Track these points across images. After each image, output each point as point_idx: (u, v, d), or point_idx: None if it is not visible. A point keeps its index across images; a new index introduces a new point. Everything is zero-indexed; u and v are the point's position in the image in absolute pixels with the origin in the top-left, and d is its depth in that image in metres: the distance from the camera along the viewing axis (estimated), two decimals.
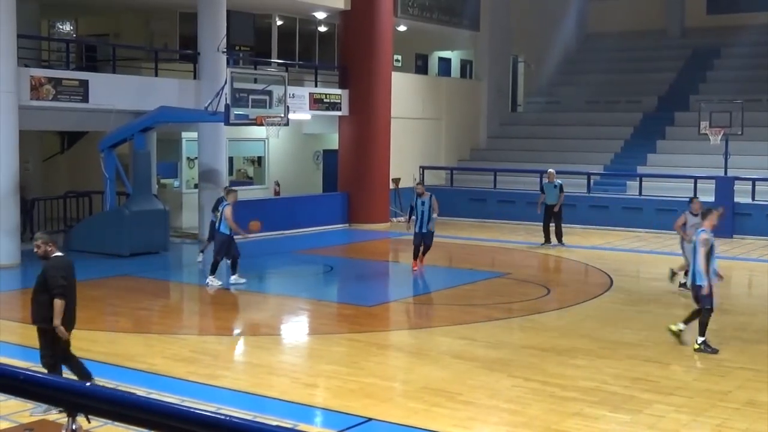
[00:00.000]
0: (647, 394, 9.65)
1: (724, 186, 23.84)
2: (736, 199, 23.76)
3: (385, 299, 15.55)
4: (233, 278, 16.06)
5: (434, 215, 17.38)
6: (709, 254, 11.47)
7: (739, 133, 24.15)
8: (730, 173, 24.17)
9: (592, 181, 27.01)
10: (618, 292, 16.08)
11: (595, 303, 15.07)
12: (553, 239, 21.38)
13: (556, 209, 21.20)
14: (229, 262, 16.17)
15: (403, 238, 23.76)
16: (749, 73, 30.75)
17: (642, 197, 25.12)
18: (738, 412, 9.12)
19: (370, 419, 8.78)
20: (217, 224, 16.05)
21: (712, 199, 23.86)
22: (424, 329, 13.26)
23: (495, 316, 13.95)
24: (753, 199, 24.12)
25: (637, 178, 26.09)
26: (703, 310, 11.61)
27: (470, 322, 13.36)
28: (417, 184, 19.33)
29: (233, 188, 17.15)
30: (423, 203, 17.41)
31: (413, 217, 17.47)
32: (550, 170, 22.08)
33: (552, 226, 21.41)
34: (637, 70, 32.99)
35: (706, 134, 24.39)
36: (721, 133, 24.19)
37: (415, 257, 17.54)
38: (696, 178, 24.62)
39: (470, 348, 11.74)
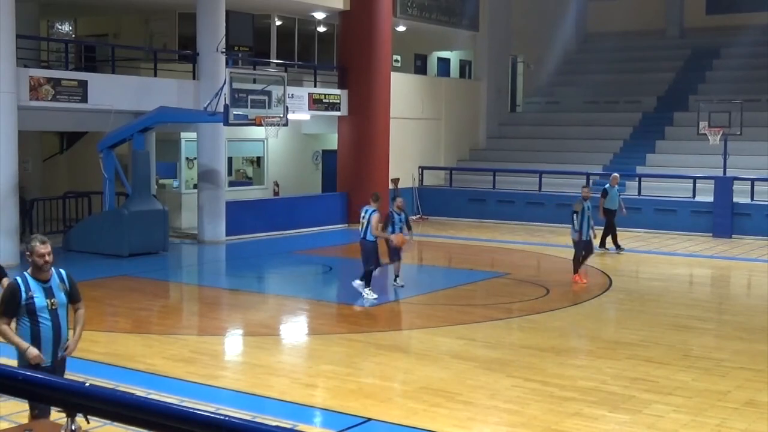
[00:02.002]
0: (646, 394, 9.65)
1: (723, 186, 23.85)
2: (735, 199, 23.77)
3: (385, 300, 15.54)
4: (366, 291, 14.97)
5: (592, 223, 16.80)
6: None
7: (738, 133, 24.15)
8: (729, 173, 24.18)
9: (591, 181, 27.01)
10: (617, 292, 16.09)
11: (595, 303, 15.07)
12: (609, 244, 20.77)
13: (622, 213, 20.90)
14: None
15: None
16: (748, 73, 30.75)
17: (641, 197, 25.12)
18: (737, 412, 9.12)
19: (369, 419, 8.78)
20: (362, 233, 14.97)
21: (711, 199, 23.90)
22: (424, 329, 13.26)
23: (494, 316, 13.95)
24: (752, 199, 24.13)
25: (636, 178, 26.09)
26: None
27: (469, 323, 13.37)
28: (583, 188, 17.83)
29: (380, 193, 16.31)
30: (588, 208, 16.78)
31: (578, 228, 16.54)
32: (614, 174, 21.64)
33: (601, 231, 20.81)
34: (636, 70, 33.00)
35: (705, 134, 24.39)
36: (720, 133, 24.19)
37: (576, 270, 16.69)
38: (695, 179, 24.63)
39: (470, 348, 11.74)
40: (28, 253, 6.96)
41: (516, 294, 15.69)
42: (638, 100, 31.37)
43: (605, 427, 8.65)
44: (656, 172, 26.43)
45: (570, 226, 16.89)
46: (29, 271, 6.98)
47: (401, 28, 28.77)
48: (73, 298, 7.13)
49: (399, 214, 15.61)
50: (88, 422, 3.76)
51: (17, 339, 6.89)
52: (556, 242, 21.94)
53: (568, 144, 29.66)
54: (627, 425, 8.69)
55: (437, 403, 9.28)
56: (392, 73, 26.68)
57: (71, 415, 3.75)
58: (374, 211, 14.97)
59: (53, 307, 6.91)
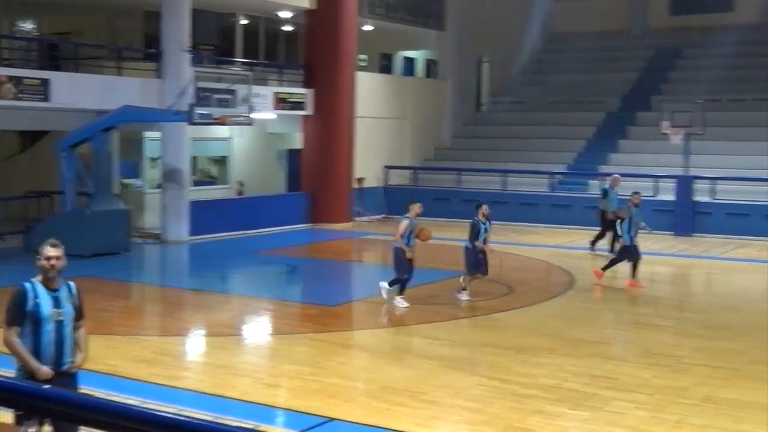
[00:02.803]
0: (608, 391, 9.74)
1: (685, 185, 24.12)
2: (696, 198, 24.05)
3: (348, 299, 15.54)
4: (398, 299, 14.29)
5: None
6: None
7: (700, 132, 24.42)
8: (691, 172, 24.45)
9: (555, 180, 27.22)
10: (580, 290, 16.21)
11: (558, 301, 15.18)
12: (600, 245, 20.48)
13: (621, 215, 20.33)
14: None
15: (367, 238, 23.81)
16: (711, 73, 31.08)
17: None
18: (697, 408, 9.24)
19: (332, 419, 8.78)
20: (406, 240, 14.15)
21: (672, 197, 24.15)
22: (388, 328, 13.27)
23: (458, 315, 14.01)
24: (713, 198, 24.43)
25: (600, 178, 26.31)
26: None
27: (433, 321, 13.41)
28: (634, 193, 17.06)
29: (416, 200, 14.90)
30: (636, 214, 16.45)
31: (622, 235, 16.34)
32: (615, 175, 21.46)
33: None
34: (600, 70, 33.24)
35: (668, 134, 24.63)
36: (682, 133, 24.43)
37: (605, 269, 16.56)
38: (657, 177, 24.88)
39: (433, 347, 11.78)
40: (37, 257, 6.57)
41: (479, 292, 15.71)
42: (602, 100, 31.61)
43: (566, 425, 8.72)
44: (619, 171, 26.61)
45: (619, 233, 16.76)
46: (38, 278, 6.57)
47: (367, 28, 28.76)
48: (78, 313, 6.73)
49: (484, 223, 14.73)
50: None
51: (28, 357, 6.44)
52: (519, 241, 22.06)
53: (532, 143, 29.82)
54: (588, 422, 8.77)
55: (400, 402, 9.30)
56: (358, 72, 26.68)
57: (28, 418, 3.72)
58: (406, 217, 14.27)
59: (59, 318, 6.51)
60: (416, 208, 14.43)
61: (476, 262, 14.63)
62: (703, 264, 19.89)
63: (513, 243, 22.07)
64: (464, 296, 14.63)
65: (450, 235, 23.71)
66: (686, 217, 23.87)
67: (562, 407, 9.17)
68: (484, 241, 14.68)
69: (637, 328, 13.14)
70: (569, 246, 21.67)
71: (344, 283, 18.50)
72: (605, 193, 20.71)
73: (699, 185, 24.41)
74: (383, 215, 27.10)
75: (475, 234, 14.59)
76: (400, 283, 14.27)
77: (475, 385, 10.01)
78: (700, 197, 24.35)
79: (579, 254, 20.51)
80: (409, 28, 30.38)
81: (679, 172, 24.62)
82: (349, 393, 9.81)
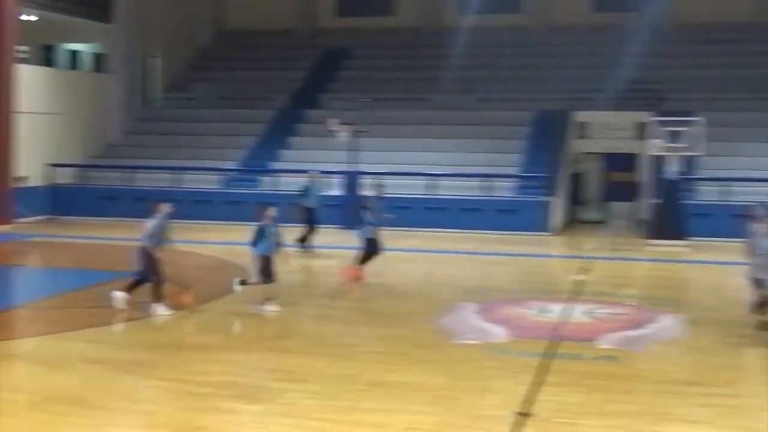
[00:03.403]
0: (281, 383, 9.89)
1: (352, 180, 25.10)
2: (362, 193, 25.11)
3: (7, 305, 14.53)
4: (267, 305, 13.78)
5: None
6: None
7: (366, 130, 25.51)
8: (357, 168, 25.46)
9: (226, 176, 27.29)
10: (256, 286, 16.31)
11: (235, 298, 15.14)
12: (307, 242, 20.46)
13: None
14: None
15: (29, 241, 22.43)
16: (376, 73, 32.64)
17: (275, 192, 25.75)
18: (366, 393, 9.63)
19: None
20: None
21: (341, 193, 25.03)
22: (51, 335, 12.56)
23: (130, 316, 13.54)
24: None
25: (270, 174, 26.73)
26: None
27: (101, 325, 12.87)
28: (377, 186, 17.33)
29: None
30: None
31: None
32: (315, 171, 21.36)
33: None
34: (270, 68, 33.74)
35: (336, 131, 25.47)
36: (350, 131, 25.38)
37: None
38: (328, 173, 25.65)
39: (102, 351, 11.32)
40: None
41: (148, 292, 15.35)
42: (273, 98, 32.08)
43: (240, 419, 8.74)
44: (289, 167, 27.22)
45: None
46: None
47: (29, 17, 27.08)
48: None
49: (272, 227, 14.02)
50: None
51: None
52: (193, 239, 21.79)
53: (205, 140, 29.63)
54: (261, 415, 8.85)
55: (68, 411, 8.84)
56: (18, 65, 25.06)
57: None
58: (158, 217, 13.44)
59: None
60: (165, 207, 13.66)
61: (266, 268, 13.98)
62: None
63: (188, 241, 21.75)
64: (271, 306, 13.87)
65: (118, 235, 22.94)
66: (351, 210, 24.81)
67: (236, 403, 9.19)
68: (277, 245, 14.03)
69: (311, 320, 13.48)
70: (241, 242, 21.69)
71: (2, 288, 17.27)
72: (306, 190, 20.99)
73: (366, 181, 25.51)
74: (47, 216, 25.66)
75: (260, 238, 13.97)
76: (142, 285, 13.56)
77: (148, 387, 9.76)
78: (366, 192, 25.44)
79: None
80: (74, 20, 29.01)
81: (346, 168, 25.55)
82: (11, 406, 9.16)
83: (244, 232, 23.00)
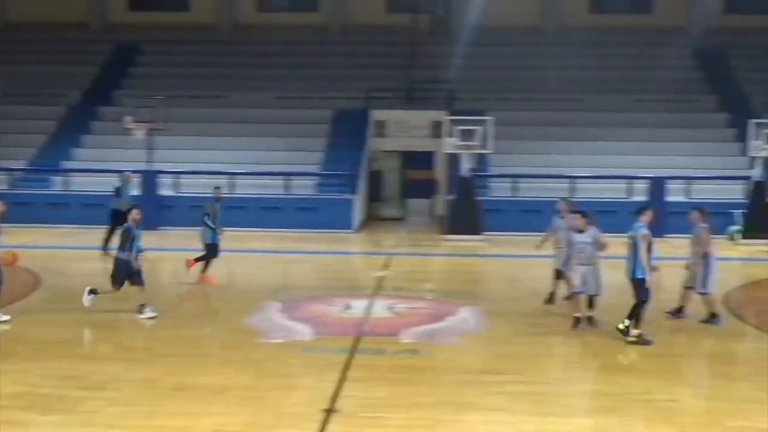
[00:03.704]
0: (79, 391, 9.47)
1: (150, 180, 24.48)
2: (160, 192, 24.57)
3: None
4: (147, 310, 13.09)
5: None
6: (649, 249, 11.72)
7: (162, 128, 24.94)
8: (155, 167, 24.86)
9: (14, 176, 25.93)
10: (46, 290, 15.61)
11: (24, 304, 14.41)
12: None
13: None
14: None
15: None
16: (172, 70, 31.94)
17: (68, 192, 24.71)
18: (169, 396, 9.39)
19: None
20: None
21: (139, 192, 24.32)
22: None
23: None
24: (177, 191, 25.14)
25: (63, 173, 25.60)
26: (640, 302, 11.80)
27: None
28: (216, 189, 16.81)
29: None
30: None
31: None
32: (127, 172, 20.49)
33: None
34: (60, 63, 32.31)
35: (131, 129, 24.78)
36: (146, 128, 24.75)
37: None
38: (115, 172, 24.85)
39: None
40: None
41: None
42: (63, 94, 30.78)
43: None
44: (83, 166, 26.20)
45: None
46: None
47: None
48: None
49: (137, 229, 13.21)
50: None
51: None
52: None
53: None
54: (61, 426, 8.45)
55: None
56: None
57: None
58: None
59: None
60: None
61: (129, 272, 13.22)
62: (174, 256, 20.22)
63: None
64: (149, 312, 13.14)
65: None
66: (153, 210, 24.19)
67: (32, 414, 8.72)
68: (139, 252, 13.27)
69: (105, 326, 12.98)
70: (32, 245, 20.73)
71: None
72: (118, 190, 20.27)
73: (163, 180, 24.96)
74: None
75: (129, 241, 13.19)
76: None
77: None
78: (165, 191, 24.90)
79: (44, 253, 19.74)
80: None
81: (144, 166, 24.88)
82: None
83: (33, 234, 22.09)
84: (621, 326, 11.85)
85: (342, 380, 9.98)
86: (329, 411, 8.87)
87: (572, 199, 15.35)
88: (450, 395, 9.56)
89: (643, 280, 11.76)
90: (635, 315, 11.81)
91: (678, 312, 13.36)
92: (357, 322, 13.10)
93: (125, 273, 13.25)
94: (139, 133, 24.75)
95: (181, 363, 10.80)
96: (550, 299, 14.39)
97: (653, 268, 11.91)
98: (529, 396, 9.54)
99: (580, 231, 12.63)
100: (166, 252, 20.47)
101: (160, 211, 24.37)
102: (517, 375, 10.43)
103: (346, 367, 10.54)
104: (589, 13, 34.68)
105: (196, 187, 25.31)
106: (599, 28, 33.00)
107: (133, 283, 13.31)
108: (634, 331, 11.76)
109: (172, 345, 11.76)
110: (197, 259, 16.51)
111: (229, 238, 19.59)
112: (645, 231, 11.81)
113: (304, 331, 12.49)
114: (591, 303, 12.81)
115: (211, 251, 16.46)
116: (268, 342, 11.92)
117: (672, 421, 8.86)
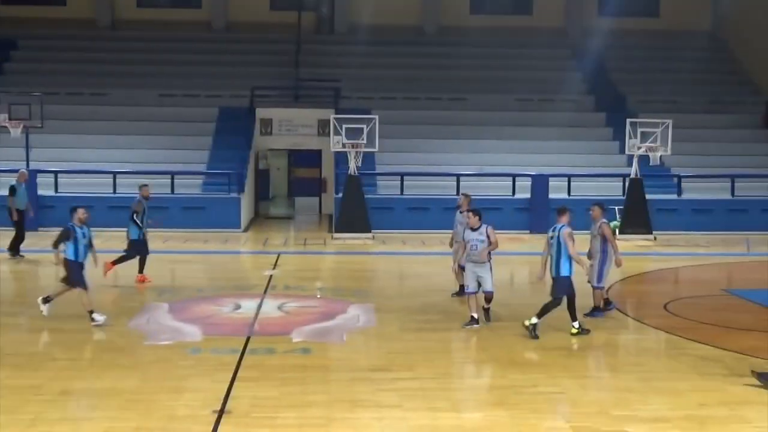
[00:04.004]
0: None
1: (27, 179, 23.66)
2: (40, 192, 23.80)
3: None
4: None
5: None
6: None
7: (39, 125, 24.17)
8: (33, 166, 24.05)
9: None
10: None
11: None
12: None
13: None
14: None
15: None
16: (48, 66, 30.97)
17: None
18: (52, 403, 9.11)
19: None
20: None
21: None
22: None
23: None
24: (56, 191, 24.40)
25: None
26: (554, 301, 12.05)
27: None
28: (143, 186, 16.66)
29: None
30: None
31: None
32: (22, 170, 19.72)
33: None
34: None
35: (5, 126, 24.00)
36: (21, 126, 23.97)
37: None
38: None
39: None
40: None
41: None
42: None
43: None
44: None
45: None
46: None
47: None
48: None
49: (81, 228, 12.78)
50: None
51: None
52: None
53: None
54: None
55: None
56: None
57: None
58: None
59: None
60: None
61: (80, 274, 12.73)
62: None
63: None
64: (99, 317, 12.62)
65: None
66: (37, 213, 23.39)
67: None
68: (86, 249, 12.90)
69: None
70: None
71: None
72: (13, 189, 19.47)
73: (42, 179, 24.17)
74: None
75: (70, 240, 12.77)
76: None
77: None
78: (43, 191, 24.12)
79: None
80: None
81: (20, 165, 24.01)
82: None
83: None
84: (527, 323, 12.08)
85: (233, 381, 9.88)
86: (221, 412, 8.77)
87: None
88: (342, 393, 9.57)
89: (568, 278, 12.07)
90: (546, 313, 12.08)
91: (603, 308, 13.62)
92: (247, 322, 12.99)
93: (78, 275, 12.81)
94: (15, 131, 23.92)
95: (65, 368, 10.50)
96: (460, 292, 14.23)
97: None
98: (419, 392, 9.63)
99: (474, 229, 12.80)
100: (47, 254, 19.84)
101: (39, 212, 23.56)
102: (408, 371, 10.52)
103: (237, 367, 10.44)
104: (470, 14, 35.18)
105: (76, 186, 24.64)
106: (480, 28, 33.53)
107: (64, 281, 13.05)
108: (575, 324, 12.20)
109: (57, 349, 11.42)
110: (115, 262, 16.20)
111: (114, 238, 19.18)
112: (567, 229, 12.10)
113: (192, 332, 12.31)
114: (487, 298, 12.93)
115: (136, 249, 16.28)
116: (156, 344, 11.69)
117: (559, 412, 9.10)
